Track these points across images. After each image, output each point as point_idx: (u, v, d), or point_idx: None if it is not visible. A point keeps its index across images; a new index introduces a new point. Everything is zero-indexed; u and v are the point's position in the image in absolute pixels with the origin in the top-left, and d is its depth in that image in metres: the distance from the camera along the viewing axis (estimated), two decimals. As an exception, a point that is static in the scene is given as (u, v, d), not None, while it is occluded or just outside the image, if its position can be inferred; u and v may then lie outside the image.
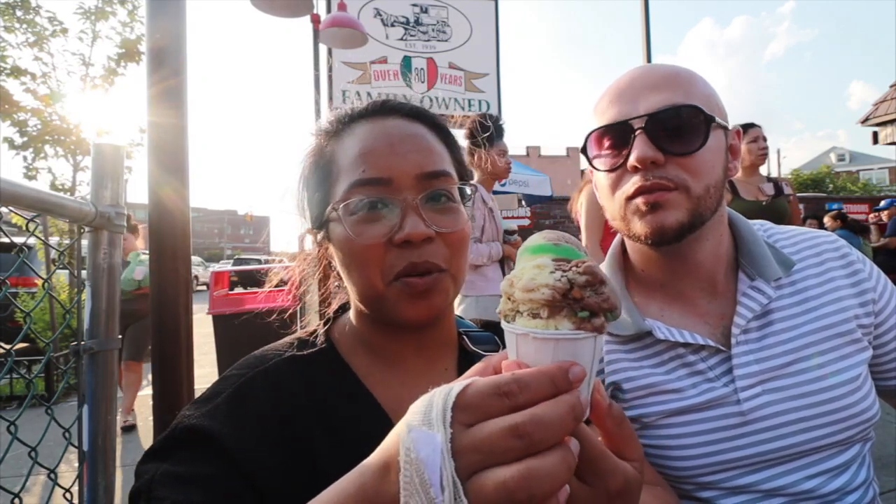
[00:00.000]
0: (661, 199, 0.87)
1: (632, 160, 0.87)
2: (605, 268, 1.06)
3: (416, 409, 0.42)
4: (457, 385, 0.42)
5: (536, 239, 0.52)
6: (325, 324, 0.83)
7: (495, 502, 0.37)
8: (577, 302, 0.45)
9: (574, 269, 0.46)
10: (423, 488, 0.39)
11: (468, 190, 0.78)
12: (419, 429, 0.40)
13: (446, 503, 0.38)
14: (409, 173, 0.71)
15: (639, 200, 0.88)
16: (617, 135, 0.91)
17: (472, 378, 0.43)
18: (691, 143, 0.87)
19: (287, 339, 0.81)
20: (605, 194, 0.96)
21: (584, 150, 0.98)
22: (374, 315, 0.76)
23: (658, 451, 0.90)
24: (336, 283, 0.85)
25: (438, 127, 0.80)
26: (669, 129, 0.87)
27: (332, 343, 0.80)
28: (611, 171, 0.93)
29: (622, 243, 1.07)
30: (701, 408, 0.89)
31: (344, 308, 0.86)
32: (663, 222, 0.87)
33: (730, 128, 0.95)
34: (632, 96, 0.90)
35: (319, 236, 0.79)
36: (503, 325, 0.49)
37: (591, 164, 0.97)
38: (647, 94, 0.89)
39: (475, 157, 2.98)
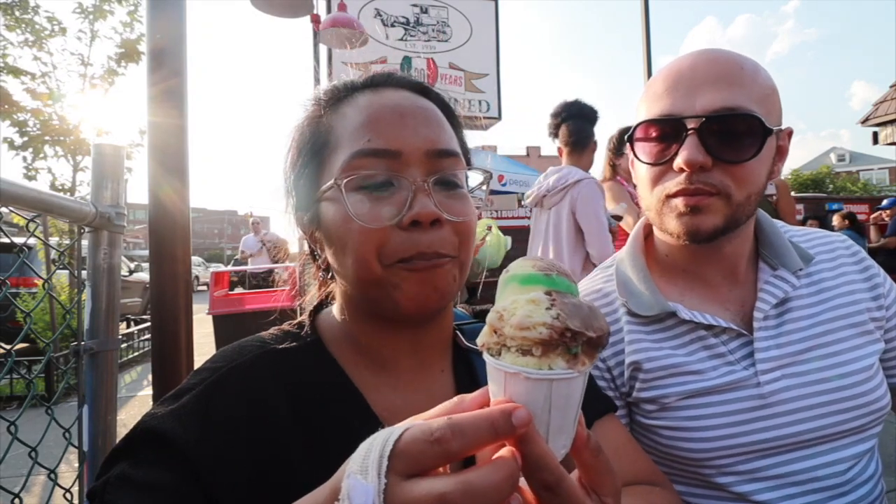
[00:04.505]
0: (701, 203, 0.86)
1: (679, 161, 0.85)
2: (626, 251, 1.06)
3: (358, 452, 0.40)
4: (397, 429, 0.39)
5: (524, 267, 0.47)
6: (310, 314, 0.76)
7: None
8: (573, 339, 0.42)
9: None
10: None
11: (479, 176, 0.72)
12: (355, 476, 0.38)
13: None
14: (419, 148, 0.64)
15: (678, 201, 0.87)
16: (667, 129, 0.87)
17: (412, 422, 0.40)
18: (744, 152, 0.84)
19: (271, 330, 0.74)
20: (644, 186, 0.94)
21: (630, 137, 0.94)
22: (368, 306, 0.68)
23: (676, 432, 0.90)
24: (326, 272, 0.76)
25: (446, 106, 0.74)
26: (724, 134, 0.83)
27: (318, 337, 0.73)
28: (654, 164, 0.90)
29: (646, 226, 1.07)
30: (721, 390, 0.89)
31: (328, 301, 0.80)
32: (699, 226, 0.87)
33: (783, 128, 0.91)
34: (689, 88, 0.86)
35: (306, 219, 0.71)
36: (487, 359, 0.45)
37: (633, 150, 0.94)
38: (707, 88, 0.84)
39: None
